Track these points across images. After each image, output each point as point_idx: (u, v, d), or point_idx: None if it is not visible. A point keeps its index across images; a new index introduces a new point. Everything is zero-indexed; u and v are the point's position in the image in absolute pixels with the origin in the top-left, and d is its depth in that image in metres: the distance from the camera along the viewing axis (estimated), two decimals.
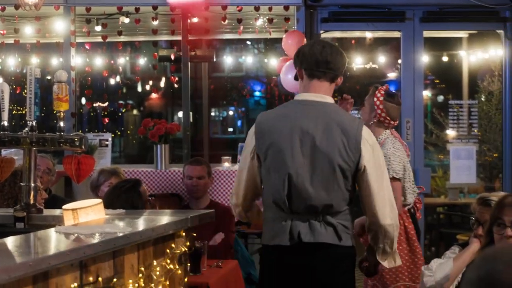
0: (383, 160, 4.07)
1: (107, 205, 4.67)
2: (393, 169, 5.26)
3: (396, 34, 8.23)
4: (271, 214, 3.97)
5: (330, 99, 4.05)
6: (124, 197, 4.76)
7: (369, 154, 3.92)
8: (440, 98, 13.35)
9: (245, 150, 4.12)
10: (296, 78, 4.20)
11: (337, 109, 4.13)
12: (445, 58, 10.96)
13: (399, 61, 8.35)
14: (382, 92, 5.45)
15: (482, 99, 9.68)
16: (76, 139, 3.98)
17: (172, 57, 8.61)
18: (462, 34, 9.74)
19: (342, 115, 4.05)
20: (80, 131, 8.13)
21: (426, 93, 11.99)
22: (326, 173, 3.86)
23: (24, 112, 4.03)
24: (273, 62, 9.07)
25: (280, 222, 3.91)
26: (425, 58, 8.64)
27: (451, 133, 8.48)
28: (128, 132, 15.95)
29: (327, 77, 4.02)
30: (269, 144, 3.94)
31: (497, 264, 1.79)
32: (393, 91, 5.68)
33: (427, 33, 8.22)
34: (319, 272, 3.92)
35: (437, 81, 13.39)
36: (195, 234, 4.06)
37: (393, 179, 5.05)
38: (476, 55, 9.90)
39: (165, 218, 3.84)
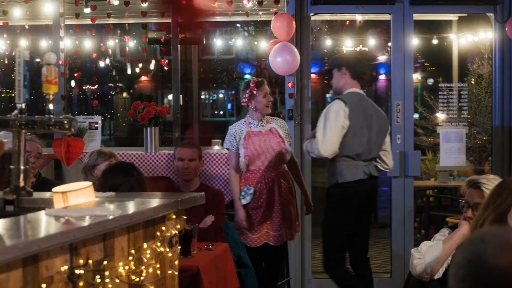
0: None
1: (107, 182, 4.67)
2: None
3: (386, 17, 8.22)
4: (350, 162, 6.21)
5: None
6: (126, 177, 4.72)
7: None
8: (430, 81, 13.39)
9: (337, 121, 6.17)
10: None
11: None
12: (435, 41, 10.98)
13: (389, 44, 8.35)
14: None
15: (472, 82, 9.69)
16: (65, 122, 3.96)
17: (162, 39, 8.58)
18: (452, 17, 9.74)
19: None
20: (69, 113, 8.10)
21: (416, 76, 12.03)
22: (381, 138, 6.40)
23: (13, 94, 4.01)
24: (263, 44, 9.07)
25: (357, 166, 6.23)
26: (415, 41, 8.63)
27: (441, 116, 8.49)
28: (118, 115, 15.93)
29: None
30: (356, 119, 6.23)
31: (485, 247, 1.80)
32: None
33: (417, 16, 8.21)
34: (376, 191, 6.50)
35: (427, 64, 13.42)
36: (185, 217, 4.06)
37: None
38: (466, 38, 9.91)
39: (155, 201, 3.83)
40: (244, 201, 6.60)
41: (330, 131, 6.14)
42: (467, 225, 4.31)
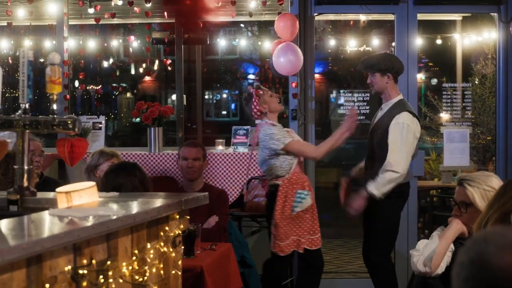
0: None
1: (109, 182, 4.67)
2: None
3: (390, 17, 8.21)
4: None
5: None
6: (128, 176, 4.72)
7: None
8: (434, 81, 13.37)
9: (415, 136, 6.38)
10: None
11: None
12: (439, 41, 10.97)
13: (393, 44, 8.34)
14: None
15: (476, 82, 9.69)
16: (69, 122, 3.96)
17: (166, 39, 8.57)
18: (456, 17, 9.73)
19: None
20: (73, 114, 8.11)
21: (420, 76, 12.02)
22: None
23: (17, 95, 4.01)
24: (266, 44, 9.06)
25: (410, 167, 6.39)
26: (419, 41, 8.63)
27: (444, 116, 8.49)
28: (122, 115, 15.93)
29: None
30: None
31: (488, 247, 1.80)
32: None
33: (421, 16, 8.21)
34: None
35: (431, 64, 13.41)
36: (189, 217, 4.06)
37: None
38: (470, 38, 9.90)
39: (159, 201, 3.83)
40: (301, 207, 6.36)
41: (407, 149, 6.29)
42: (456, 220, 4.33)
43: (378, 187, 6.23)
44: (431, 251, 4.31)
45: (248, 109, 6.58)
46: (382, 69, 6.46)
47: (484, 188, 4.28)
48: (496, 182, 4.31)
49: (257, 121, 6.61)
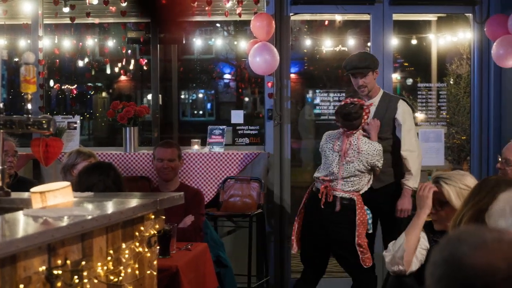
0: None
1: (82, 182, 4.66)
2: None
3: (366, 17, 8.24)
4: None
5: None
6: (101, 176, 4.71)
7: None
8: (409, 81, 13.40)
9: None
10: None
11: None
12: (414, 41, 10.99)
13: (369, 44, 8.37)
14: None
15: (451, 82, 9.73)
16: (44, 122, 3.94)
17: (141, 39, 8.55)
18: (431, 17, 9.77)
19: None
20: (48, 113, 8.06)
21: (396, 76, 12.03)
22: None
23: None
24: (243, 44, 9.04)
25: None
26: (394, 41, 8.65)
27: (419, 116, 8.52)
28: (97, 114, 15.86)
29: None
30: None
31: (462, 246, 1.80)
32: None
33: (396, 16, 8.24)
34: None
35: (406, 64, 13.44)
36: (164, 217, 4.05)
37: None
38: (445, 39, 9.94)
39: (134, 200, 3.83)
40: (370, 224, 6.30)
41: (415, 131, 6.64)
42: (423, 213, 4.35)
43: (415, 178, 6.52)
44: (400, 249, 4.32)
45: (356, 123, 6.29)
46: (374, 68, 6.59)
47: (460, 186, 4.30)
48: (471, 181, 4.33)
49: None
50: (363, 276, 6.29)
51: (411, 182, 6.46)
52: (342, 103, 6.39)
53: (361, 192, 6.23)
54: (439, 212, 4.36)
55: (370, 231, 6.23)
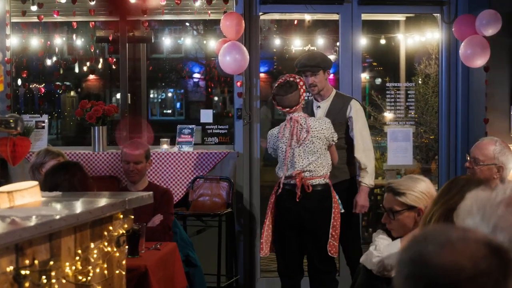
0: None
1: (48, 181, 4.63)
2: None
3: (335, 17, 8.26)
4: None
5: None
6: (66, 175, 4.69)
7: None
8: (378, 80, 13.47)
9: None
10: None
11: None
12: (383, 41, 11.05)
13: (338, 43, 8.39)
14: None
15: (419, 82, 9.79)
16: (11, 121, 3.92)
17: (110, 38, 8.51)
18: (400, 17, 9.82)
19: None
20: (16, 112, 7.99)
21: (364, 76, 12.09)
22: None
23: None
24: (212, 43, 9.04)
25: None
26: (363, 41, 8.69)
27: (388, 115, 8.56)
28: (66, 113, 15.77)
29: None
30: None
31: (428, 245, 1.81)
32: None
33: (365, 16, 8.26)
34: None
35: (375, 63, 13.50)
36: (133, 216, 4.04)
37: None
38: (414, 38, 10.00)
39: (102, 200, 3.81)
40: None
41: (368, 129, 6.82)
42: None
43: (371, 175, 6.65)
44: (391, 257, 4.29)
45: (291, 97, 6.25)
46: (325, 67, 6.63)
47: (412, 194, 4.30)
48: (424, 185, 4.33)
49: (291, 115, 6.28)
50: (325, 277, 6.34)
51: (367, 179, 6.62)
52: (276, 84, 6.40)
53: (328, 173, 6.30)
54: (393, 222, 4.35)
55: (342, 211, 6.31)
